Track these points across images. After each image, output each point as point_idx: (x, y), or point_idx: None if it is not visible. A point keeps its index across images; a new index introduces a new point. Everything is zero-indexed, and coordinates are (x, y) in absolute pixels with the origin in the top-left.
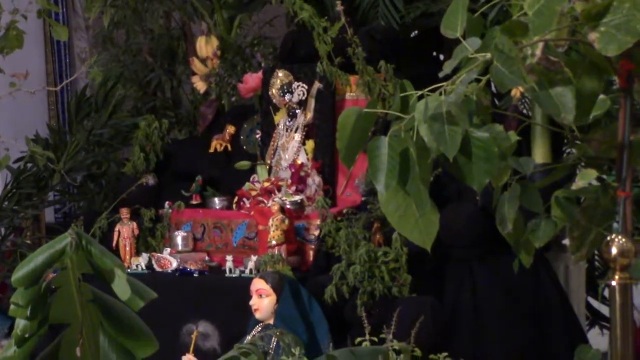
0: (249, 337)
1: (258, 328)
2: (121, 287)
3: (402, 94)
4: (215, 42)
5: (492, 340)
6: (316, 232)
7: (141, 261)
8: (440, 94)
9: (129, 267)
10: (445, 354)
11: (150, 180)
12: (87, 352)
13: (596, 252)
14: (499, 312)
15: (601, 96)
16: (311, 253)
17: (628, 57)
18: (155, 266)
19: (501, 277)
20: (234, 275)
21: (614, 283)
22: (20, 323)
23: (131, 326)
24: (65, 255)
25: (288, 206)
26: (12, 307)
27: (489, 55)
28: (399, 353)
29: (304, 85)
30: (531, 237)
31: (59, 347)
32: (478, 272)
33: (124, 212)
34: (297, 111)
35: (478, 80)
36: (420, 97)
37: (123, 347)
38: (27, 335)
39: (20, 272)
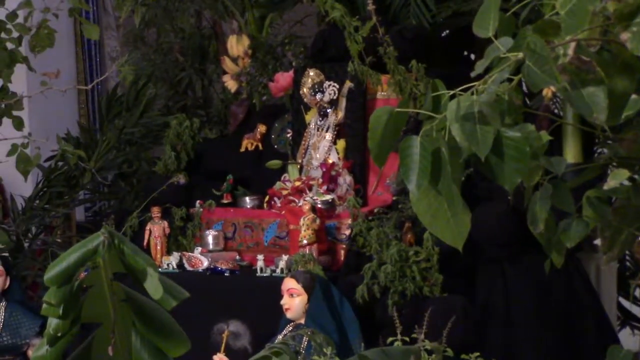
0: (280, 337)
1: (289, 327)
2: (153, 287)
3: (433, 94)
4: (246, 41)
5: (524, 340)
6: (347, 232)
7: (172, 260)
8: (472, 93)
9: (160, 266)
10: (477, 354)
11: (181, 179)
12: (120, 351)
13: (627, 252)
14: (531, 312)
15: (633, 96)
16: (342, 252)
17: None
18: (186, 265)
19: (533, 277)
20: (265, 275)
21: None
22: (53, 322)
23: (163, 325)
24: (97, 254)
25: (319, 205)
26: (44, 306)
27: (520, 54)
28: (431, 353)
29: (335, 84)
30: (562, 237)
31: (91, 347)
32: (509, 272)
33: (155, 211)
34: (328, 110)
35: (510, 80)
36: (452, 97)
37: (155, 346)
38: (59, 335)
39: (53, 271)
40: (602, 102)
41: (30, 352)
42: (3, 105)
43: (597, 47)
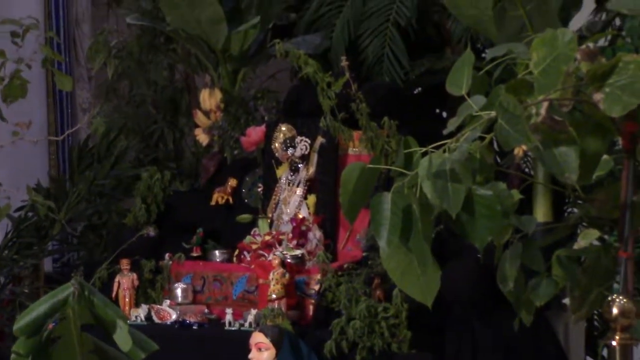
0: None
1: None
2: (123, 338)
3: (405, 151)
4: (218, 94)
5: None
6: (316, 287)
7: (140, 312)
8: (444, 151)
9: (128, 318)
10: None
11: (151, 231)
12: None
13: (596, 312)
14: None
15: (604, 156)
16: (311, 307)
17: (632, 119)
18: (154, 318)
19: (501, 334)
20: (233, 329)
21: (614, 343)
22: None
23: None
24: (67, 305)
25: (289, 260)
26: (13, 356)
27: (493, 113)
28: None
29: (307, 139)
30: (532, 295)
31: None
32: (478, 329)
33: (124, 263)
34: (299, 165)
35: (482, 138)
36: (424, 154)
37: None
38: None
39: (22, 321)
40: (573, 162)
41: None
42: None
43: (570, 107)
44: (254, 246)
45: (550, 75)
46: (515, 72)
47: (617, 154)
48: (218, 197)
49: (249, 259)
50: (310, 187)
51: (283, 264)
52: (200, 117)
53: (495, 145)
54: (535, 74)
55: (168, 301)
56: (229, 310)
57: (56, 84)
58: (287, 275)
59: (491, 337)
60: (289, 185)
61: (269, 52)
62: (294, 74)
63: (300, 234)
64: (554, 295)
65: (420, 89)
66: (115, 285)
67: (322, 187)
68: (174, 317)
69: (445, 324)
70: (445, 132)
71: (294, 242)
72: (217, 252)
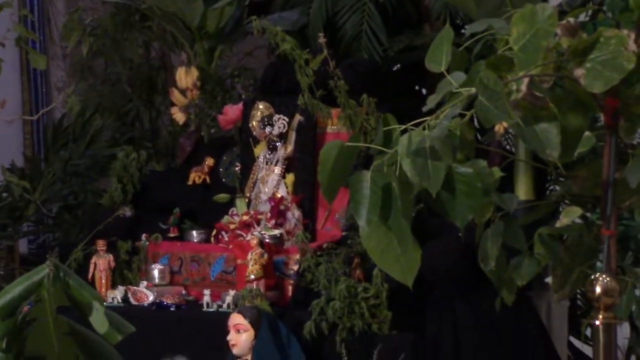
0: None
1: None
2: (99, 320)
3: (384, 128)
4: (195, 72)
5: None
6: (295, 267)
7: (117, 294)
8: (424, 128)
9: (105, 300)
10: None
11: (127, 212)
12: None
13: (579, 291)
14: (480, 350)
15: (586, 133)
16: (290, 288)
17: (614, 94)
18: (131, 299)
19: (483, 314)
20: (211, 310)
21: (597, 323)
22: None
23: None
24: (42, 287)
25: (267, 240)
26: None
27: (473, 89)
28: None
29: (285, 117)
30: (514, 274)
31: None
32: (459, 309)
33: (101, 244)
34: (277, 144)
35: (462, 115)
36: (404, 132)
37: None
38: None
39: None
40: (554, 139)
41: None
42: None
43: (551, 83)
44: (232, 226)
45: (531, 51)
46: (495, 48)
47: (598, 131)
48: (195, 177)
49: (226, 239)
50: (289, 165)
51: (261, 244)
52: (176, 96)
53: (475, 123)
54: (515, 50)
55: (145, 282)
56: (206, 292)
57: (30, 62)
58: (266, 256)
59: (472, 316)
60: (267, 164)
61: (245, 29)
62: (271, 51)
63: (278, 213)
64: (536, 274)
65: (399, 65)
66: (92, 266)
67: (301, 166)
68: (151, 298)
69: (426, 304)
70: (424, 109)
71: (273, 221)
72: (194, 233)
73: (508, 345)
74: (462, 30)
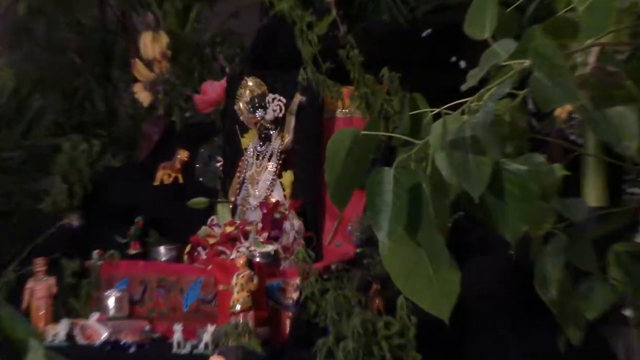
0: None
1: None
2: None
3: (411, 112)
4: (164, 39)
5: None
6: (295, 295)
7: (60, 330)
8: (463, 112)
9: (44, 338)
10: None
11: (74, 220)
12: None
13: None
14: None
15: None
16: (288, 322)
17: None
18: (78, 337)
19: (541, 356)
20: (183, 352)
21: None
22: None
23: None
24: None
25: (258, 259)
26: None
27: (527, 62)
28: None
29: (282, 98)
30: (582, 305)
31: None
32: (511, 349)
33: (39, 264)
34: (271, 132)
35: (513, 96)
36: (437, 117)
37: None
38: None
39: None
40: (633, 126)
41: None
42: None
43: (627, 53)
44: (212, 240)
45: (601, 12)
46: (554, 9)
47: None
48: (163, 175)
49: (204, 257)
50: (286, 161)
51: (250, 263)
52: (140, 69)
53: (530, 105)
54: (580, 11)
55: (97, 314)
56: (177, 327)
57: None
58: (256, 280)
59: (528, 358)
60: (257, 159)
61: None
62: (264, 11)
63: (273, 223)
64: (611, 305)
65: (429, 30)
66: (27, 293)
67: (302, 162)
68: (104, 336)
69: (466, 342)
70: (464, 87)
71: (265, 234)
72: (162, 249)
73: None
74: None
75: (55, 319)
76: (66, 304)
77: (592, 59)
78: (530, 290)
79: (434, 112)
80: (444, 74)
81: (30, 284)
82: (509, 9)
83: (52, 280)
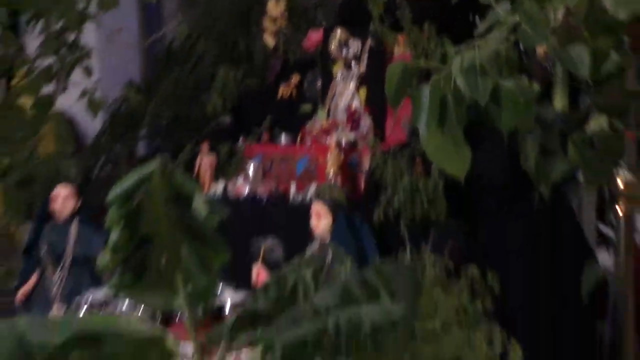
0: (309, 252)
1: (316, 244)
2: (200, 206)
3: (442, 50)
4: (283, 3)
5: (515, 266)
6: (367, 165)
7: (219, 188)
8: (474, 49)
9: (207, 192)
10: (474, 266)
11: (227, 119)
12: (171, 260)
13: (605, 184)
14: (521, 243)
15: (613, 54)
16: (362, 183)
17: (637, 20)
18: (230, 193)
19: (524, 209)
20: (297, 200)
21: (620, 211)
22: (114, 235)
23: (208, 240)
24: (152, 179)
25: (344, 143)
26: (108, 221)
27: (517, 18)
28: (434, 266)
29: (359, 41)
30: (549, 170)
31: (146, 256)
32: (505, 207)
33: (205, 146)
34: (352, 63)
35: (508, 39)
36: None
37: (200, 255)
38: (119, 245)
39: (115, 192)
40: (585, 60)
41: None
42: (74, 57)
43: (584, 13)
44: (315, 131)
45: None
46: None
47: (623, 52)
48: (283, 91)
49: (310, 142)
50: (362, 81)
51: (339, 146)
52: (268, 24)
53: (520, 46)
54: None
55: (241, 178)
56: (293, 185)
57: None
58: (342, 156)
59: (513, 214)
60: (343, 80)
61: None
62: None
63: (353, 121)
64: (569, 173)
65: None
66: (197, 164)
67: (372, 82)
68: (247, 191)
69: (476, 198)
70: (476, 34)
71: (348, 128)
72: (283, 137)
73: (547, 240)
74: None
75: (215, 180)
76: (222, 171)
77: (560, 16)
78: (517, 168)
79: (456, 50)
80: (464, 26)
81: (199, 159)
82: None
83: (213, 156)
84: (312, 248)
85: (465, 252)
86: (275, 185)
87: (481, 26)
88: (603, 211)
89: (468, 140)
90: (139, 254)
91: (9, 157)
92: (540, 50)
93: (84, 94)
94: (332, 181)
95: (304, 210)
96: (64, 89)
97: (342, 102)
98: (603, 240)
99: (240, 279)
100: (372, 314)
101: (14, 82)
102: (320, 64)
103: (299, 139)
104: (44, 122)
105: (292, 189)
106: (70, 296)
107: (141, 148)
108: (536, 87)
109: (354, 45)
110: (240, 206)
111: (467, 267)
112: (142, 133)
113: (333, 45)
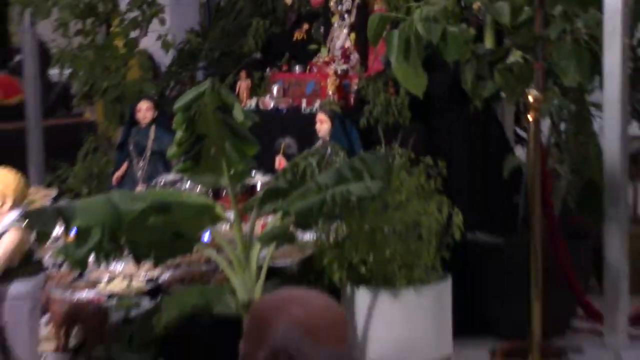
0: (314, 147)
1: (320, 142)
2: (238, 113)
3: (407, 4)
4: None
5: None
6: (356, 87)
7: (252, 103)
8: (430, 4)
9: (244, 106)
10: (429, 157)
11: (258, 55)
12: (219, 152)
13: (520, 100)
14: (462, 141)
15: (525, 7)
16: (352, 99)
17: None
18: (260, 106)
19: (464, 118)
20: (307, 111)
21: (530, 119)
22: (179, 134)
23: (244, 137)
24: (205, 94)
25: (339, 72)
26: (174, 124)
27: None
28: (401, 156)
29: (350, 0)
30: (481, 90)
31: (201, 149)
32: (450, 115)
33: (243, 74)
34: (345, 16)
35: None
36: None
37: (239, 148)
38: (183, 140)
39: (179, 103)
40: (506, 11)
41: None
42: (152, 11)
43: None
44: (319, 63)
45: None
46: None
47: (533, 4)
48: (298, 35)
49: (316, 70)
50: (352, 28)
51: (336, 73)
52: None
53: (462, 3)
54: None
55: (268, 96)
56: (304, 100)
57: None
58: (338, 80)
59: (458, 117)
60: (339, 27)
61: None
62: None
63: (346, 56)
64: (495, 92)
65: None
66: (238, 86)
67: (359, 29)
68: (272, 105)
69: (430, 109)
70: None
71: (342, 61)
72: (297, 67)
73: (481, 136)
74: None
75: (250, 97)
76: (255, 91)
77: None
78: (458, 87)
79: (417, 5)
80: None
81: (239, 83)
82: None
83: (249, 81)
84: (317, 145)
85: (423, 147)
86: (291, 101)
87: None
88: (519, 119)
89: (425, 68)
90: (196, 147)
91: (107, 81)
92: (475, 5)
93: (159, 37)
94: (331, 98)
95: (311, 118)
96: (146, 33)
97: (338, 43)
98: (519, 139)
99: (267, 166)
100: (358, 189)
101: (111, 29)
102: (323, 16)
103: (308, 68)
104: (132, 57)
105: (304, 103)
106: (150, 179)
107: (199, 75)
108: (472, 31)
109: (347, 2)
110: (267, 115)
111: (424, 157)
112: (199, 65)
113: (332, 3)
